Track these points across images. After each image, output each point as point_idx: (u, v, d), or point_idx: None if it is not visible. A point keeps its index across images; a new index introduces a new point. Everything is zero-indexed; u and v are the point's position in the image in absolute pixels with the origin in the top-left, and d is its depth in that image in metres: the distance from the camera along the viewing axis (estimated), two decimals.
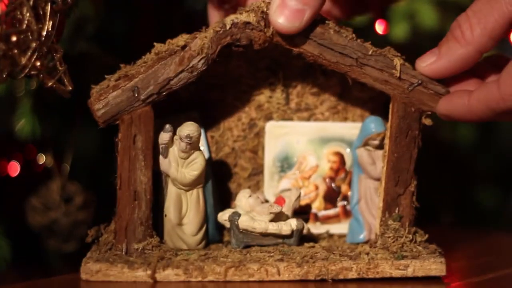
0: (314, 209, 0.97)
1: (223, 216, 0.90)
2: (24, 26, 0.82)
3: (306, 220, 0.95)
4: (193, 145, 0.87)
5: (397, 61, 0.87)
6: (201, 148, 0.90)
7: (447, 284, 0.85)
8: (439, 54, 0.85)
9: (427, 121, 0.88)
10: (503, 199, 1.60)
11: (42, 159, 1.18)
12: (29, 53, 0.82)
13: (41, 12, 0.83)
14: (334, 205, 0.97)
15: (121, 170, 0.86)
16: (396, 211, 0.89)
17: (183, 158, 0.88)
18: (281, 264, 0.84)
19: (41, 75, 0.83)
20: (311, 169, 0.97)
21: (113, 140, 0.87)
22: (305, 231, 0.90)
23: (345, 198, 0.97)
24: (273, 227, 0.88)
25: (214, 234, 0.92)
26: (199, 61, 0.85)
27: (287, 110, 0.97)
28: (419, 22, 1.39)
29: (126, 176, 0.86)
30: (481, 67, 0.88)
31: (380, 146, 0.91)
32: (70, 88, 0.86)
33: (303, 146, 0.97)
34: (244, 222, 0.88)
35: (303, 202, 0.96)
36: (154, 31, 1.28)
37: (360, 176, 0.93)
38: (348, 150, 0.96)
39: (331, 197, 0.97)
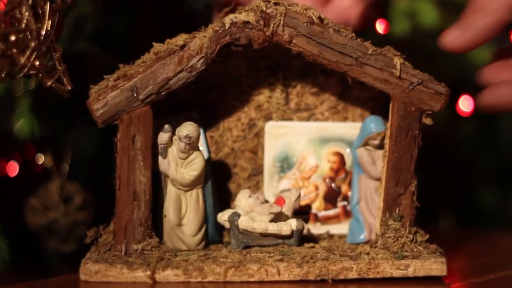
0: (314, 210, 0.96)
1: (223, 217, 0.90)
2: (23, 25, 0.82)
3: (306, 221, 0.94)
4: (192, 145, 0.87)
5: (397, 60, 0.86)
6: (201, 148, 0.90)
7: (448, 285, 0.84)
8: (462, 27, 0.85)
9: (427, 121, 0.88)
10: (504, 199, 1.59)
11: (41, 159, 1.17)
12: (28, 53, 0.82)
13: (40, 11, 0.83)
14: (334, 205, 0.97)
15: (120, 170, 0.86)
16: (397, 211, 0.88)
17: (182, 158, 0.87)
18: (281, 264, 0.84)
19: (40, 75, 0.83)
20: (311, 169, 0.96)
21: (112, 140, 0.87)
22: (305, 232, 0.90)
23: (345, 198, 0.96)
24: (273, 228, 0.88)
25: (213, 234, 0.91)
26: (198, 60, 0.85)
27: (286, 110, 0.97)
28: (420, 22, 1.38)
29: (125, 177, 0.86)
30: None
31: (380, 146, 0.91)
32: (69, 88, 0.85)
33: (303, 146, 0.96)
34: (243, 223, 0.87)
35: (303, 202, 0.95)
36: (154, 31, 1.28)
37: (360, 176, 0.93)
38: (348, 150, 0.96)
39: (331, 197, 0.97)
